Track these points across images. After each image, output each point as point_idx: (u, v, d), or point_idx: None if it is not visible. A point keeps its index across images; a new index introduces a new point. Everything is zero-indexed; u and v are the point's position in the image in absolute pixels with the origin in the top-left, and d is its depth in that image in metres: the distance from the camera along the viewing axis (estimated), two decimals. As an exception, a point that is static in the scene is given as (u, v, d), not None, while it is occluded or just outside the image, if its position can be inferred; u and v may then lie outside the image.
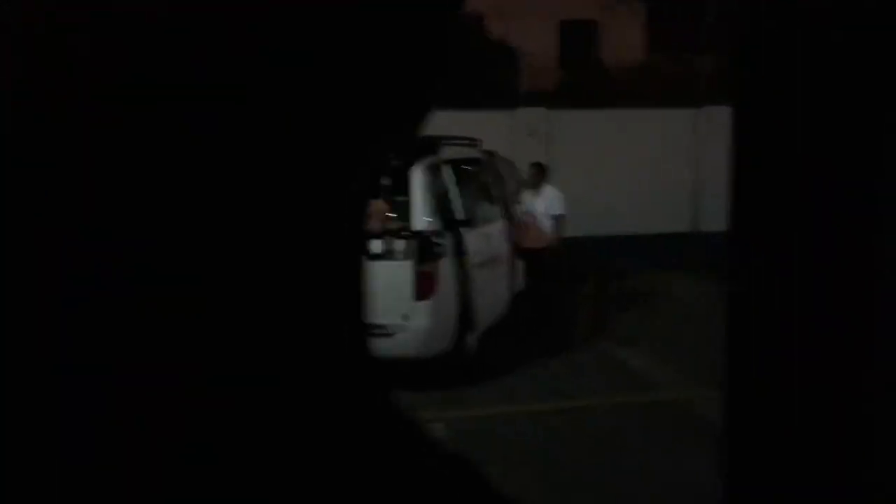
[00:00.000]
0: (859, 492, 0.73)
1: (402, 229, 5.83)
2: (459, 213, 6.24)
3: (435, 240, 5.90)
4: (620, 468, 4.52)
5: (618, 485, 4.34)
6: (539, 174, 7.88)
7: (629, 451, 4.73)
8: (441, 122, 8.79)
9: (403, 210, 5.89)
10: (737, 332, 0.79)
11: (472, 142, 7.51)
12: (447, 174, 6.29)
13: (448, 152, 6.68)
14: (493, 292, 6.84)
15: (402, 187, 5.90)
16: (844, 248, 0.72)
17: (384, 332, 5.80)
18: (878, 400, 0.74)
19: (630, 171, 10.36)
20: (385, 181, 5.92)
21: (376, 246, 5.67)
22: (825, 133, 0.73)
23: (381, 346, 5.81)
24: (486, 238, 6.77)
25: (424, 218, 5.88)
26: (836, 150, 0.73)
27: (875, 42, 0.73)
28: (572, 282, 8.81)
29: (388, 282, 5.71)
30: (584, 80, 12.61)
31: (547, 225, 7.68)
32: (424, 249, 5.81)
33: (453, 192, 6.26)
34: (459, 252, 6.16)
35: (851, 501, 0.74)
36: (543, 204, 7.71)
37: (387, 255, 5.73)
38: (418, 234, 5.82)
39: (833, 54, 0.74)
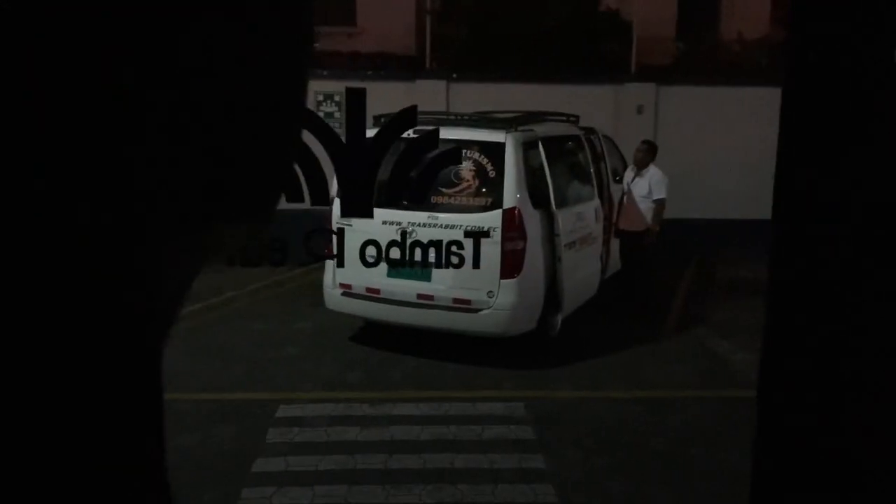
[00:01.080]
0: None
1: (493, 205, 5.74)
2: (552, 191, 6.07)
3: (524, 217, 5.78)
4: (700, 464, 4.34)
5: (695, 481, 4.17)
6: (648, 152, 7.53)
7: (710, 448, 4.52)
8: (542, 97, 8.61)
9: (495, 186, 5.80)
10: (777, 318, 0.78)
11: (569, 118, 7.30)
12: (542, 150, 6.13)
13: (544, 128, 6.51)
14: (583, 273, 6.67)
15: (495, 162, 5.80)
16: (885, 236, 0.71)
17: (469, 307, 5.77)
18: None
19: (741, 152, 9.81)
20: (477, 156, 5.84)
21: (465, 221, 5.62)
22: (870, 121, 0.72)
23: (466, 322, 5.76)
24: (579, 217, 6.59)
25: (516, 194, 5.77)
26: (881, 140, 0.71)
27: None
28: (672, 267, 8.48)
29: (475, 258, 5.66)
30: (701, 55, 11.99)
31: (647, 207, 7.37)
32: (513, 226, 5.71)
33: (547, 169, 6.10)
34: (550, 231, 6.02)
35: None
36: (646, 185, 7.40)
37: (475, 230, 5.66)
38: (508, 211, 5.72)
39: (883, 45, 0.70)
